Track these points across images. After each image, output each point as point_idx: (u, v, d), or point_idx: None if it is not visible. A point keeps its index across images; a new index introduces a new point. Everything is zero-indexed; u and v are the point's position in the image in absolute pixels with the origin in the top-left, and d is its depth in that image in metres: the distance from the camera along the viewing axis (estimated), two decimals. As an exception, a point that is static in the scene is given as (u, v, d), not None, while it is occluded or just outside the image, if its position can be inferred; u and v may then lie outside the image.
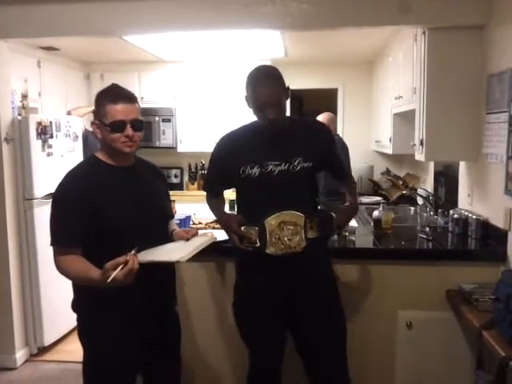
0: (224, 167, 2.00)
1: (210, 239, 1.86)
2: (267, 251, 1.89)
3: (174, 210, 2.28)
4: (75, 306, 1.82)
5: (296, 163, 1.90)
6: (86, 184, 1.69)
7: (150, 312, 1.79)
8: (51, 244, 1.69)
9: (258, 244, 1.90)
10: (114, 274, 1.47)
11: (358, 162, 5.16)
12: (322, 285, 2.00)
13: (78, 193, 1.67)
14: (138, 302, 1.74)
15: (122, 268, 1.48)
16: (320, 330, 1.97)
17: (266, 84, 1.86)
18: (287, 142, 1.93)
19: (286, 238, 1.88)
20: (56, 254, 1.68)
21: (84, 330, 1.81)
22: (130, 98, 1.71)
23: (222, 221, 2.09)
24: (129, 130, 1.68)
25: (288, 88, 1.93)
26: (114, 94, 1.70)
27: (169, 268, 1.86)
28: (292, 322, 2.01)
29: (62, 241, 1.67)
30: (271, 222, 1.87)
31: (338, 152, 2.19)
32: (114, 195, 1.71)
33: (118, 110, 1.67)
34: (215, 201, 2.17)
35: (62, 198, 1.70)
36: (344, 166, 2.24)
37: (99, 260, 1.56)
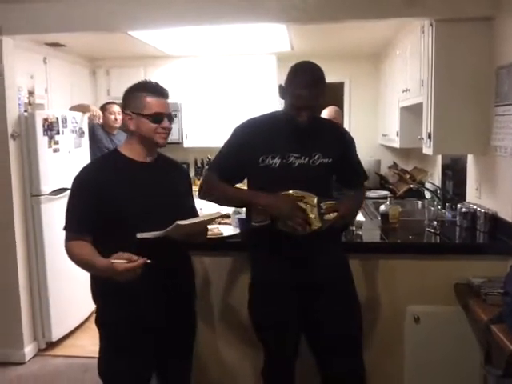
0: (242, 154, 1.95)
1: (214, 214, 1.87)
2: (278, 226, 1.85)
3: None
4: (92, 296, 1.88)
5: (316, 158, 1.92)
6: (99, 175, 1.77)
7: (166, 303, 1.83)
8: (63, 229, 1.77)
9: (269, 221, 1.87)
10: (117, 260, 1.54)
11: (365, 156, 5.11)
12: (340, 278, 2.00)
13: (88, 182, 1.75)
14: (153, 293, 1.79)
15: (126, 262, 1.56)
16: (338, 324, 1.95)
17: (309, 87, 1.84)
18: (309, 136, 1.94)
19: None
20: (66, 239, 1.75)
21: (99, 318, 1.85)
22: (167, 94, 1.85)
23: (249, 195, 1.97)
24: (166, 122, 1.81)
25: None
26: (155, 89, 1.81)
27: (185, 259, 1.94)
28: (307, 317, 2.00)
29: (71, 226, 1.75)
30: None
31: (356, 155, 2.14)
32: (126, 188, 1.75)
33: (159, 103, 1.79)
34: (222, 183, 1.99)
35: (74, 187, 1.78)
36: (361, 172, 2.18)
37: (107, 250, 1.63)
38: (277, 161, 1.90)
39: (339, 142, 2.04)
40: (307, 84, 1.84)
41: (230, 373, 2.51)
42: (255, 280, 2.03)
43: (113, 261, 1.55)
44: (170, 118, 1.85)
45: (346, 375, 2.00)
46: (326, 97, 1.93)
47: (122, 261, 1.55)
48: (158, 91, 1.81)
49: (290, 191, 1.85)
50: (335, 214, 1.87)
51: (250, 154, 1.92)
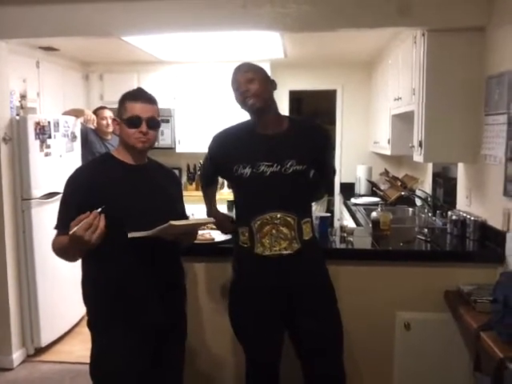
0: (218, 164, 2.03)
1: (207, 219, 1.97)
2: (256, 251, 1.91)
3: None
4: (84, 298, 1.87)
5: (288, 165, 1.89)
6: (91, 175, 1.79)
7: (157, 301, 1.83)
8: (54, 228, 1.78)
9: (249, 244, 1.92)
10: (74, 228, 1.56)
11: (357, 163, 5.17)
12: (317, 286, 1.99)
13: (80, 182, 1.77)
14: (143, 293, 1.80)
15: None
16: (315, 331, 1.96)
17: (242, 73, 1.89)
18: (281, 143, 1.92)
19: (274, 240, 1.89)
20: (55, 236, 1.77)
21: (91, 320, 1.85)
22: (149, 98, 1.84)
23: (215, 218, 2.10)
24: (144, 127, 1.78)
25: (273, 81, 1.96)
26: (136, 94, 1.84)
27: (174, 259, 1.93)
28: (289, 323, 2.01)
29: (62, 225, 1.76)
30: (257, 223, 1.89)
31: (331, 154, 2.19)
32: (118, 189, 1.77)
33: (137, 107, 1.79)
34: (209, 191, 2.25)
35: (67, 187, 1.80)
36: (331, 168, 2.21)
37: (99, 250, 1.65)
38: (247, 170, 1.90)
39: (314, 145, 1.98)
40: (240, 72, 1.90)
41: (218, 365, 2.53)
42: (233, 283, 2.04)
43: (71, 232, 1.57)
44: (153, 123, 1.81)
45: (325, 377, 2.01)
46: (273, 87, 1.95)
47: (78, 226, 1.56)
48: (137, 96, 1.82)
49: (265, 215, 1.87)
50: None
51: (225, 164, 1.97)
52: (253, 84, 1.86)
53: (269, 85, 1.93)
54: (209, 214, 2.26)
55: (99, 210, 1.60)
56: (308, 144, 1.96)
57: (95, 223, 1.57)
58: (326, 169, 2.12)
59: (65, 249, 1.69)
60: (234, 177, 1.94)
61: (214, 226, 2.65)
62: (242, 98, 1.88)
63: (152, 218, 1.72)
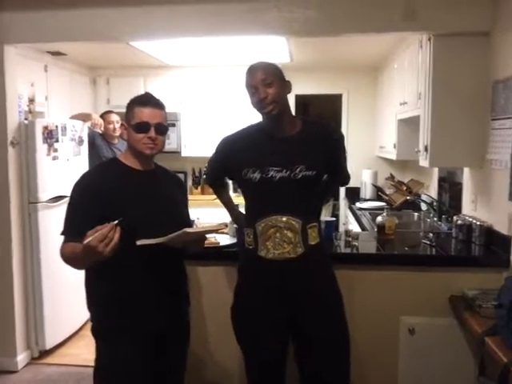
0: (227, 167, 2.02)
1: (219, 226, 1.94)
2: (259, 254, 1.90)
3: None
4: (88, 305, 1.87)
5: (298, 171, 1.86)
6: (98, 180, 1.79)
7: (162, 309, 1.84)
8: (61, 233, 1.78)
9: (253, 246, 1.92)
10: (89, 238, 1.52)
11: (362, 168, 5.16)
12: (321, 290, 1.96)
13: (87, 187, 1.77)
14: (148, 300, 1.80)
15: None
16: (316, 336, 1.93)
17: (261, 70, 1.85)
18: (292, 147, 1.89)
19: (278, 243, 1.87)
20: (63, 243, 1.76)
21: (96, 327, 1.85)
22: (158, 104, 1.84)
23: (240, 217, 2.18)
24: (152, 132, 1.78)
25: (288, 82, 1.93)
26: (144, 99, 1.83)
27: (179, 266, 1.94)
28: (292, 326, 1.97)
29: (70, 231, 1.76)
30: (261, 225, 1.88)
31: (344, 157, 2.13)
32: (125, 195, 1.77)
33: (145, 113, 1.78)
34: (221, 191, 2.29)
35: (74, 192, 1.80)
36: (345, 173, 2.20)
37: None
38: (257, 175, 1.87)
39: (326, 147, 1.95)
40: (258, 75, 1.84)
41: (224, 372, 2.52)
42: (238, 285, 2.03)
43: (85, 242, 1.52)
44: (161, 129, 1.81)
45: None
46: (288, 89, 1.92)
47: (93, 236, 1.52)
48: (145, 101, 1.81)
49: (268, 218, 1.86)
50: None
51: (233, 167, 1.96)
52: (271, 88, 1.82)
53: (285, 87, 1.90)
54: (233, 217, 2.31)
55: (116, 222, 1.55)
56: (320, 147, 1.93)
57: (110, 235, 1.53)
58: (340, 172, 2.12)
59: (76, 257, 1.65)
60: (242, 180, 1.92)
61: (221, 230, 2.67)
62: (261, 105, 1.84)
63: (158, 224, 1.73)
